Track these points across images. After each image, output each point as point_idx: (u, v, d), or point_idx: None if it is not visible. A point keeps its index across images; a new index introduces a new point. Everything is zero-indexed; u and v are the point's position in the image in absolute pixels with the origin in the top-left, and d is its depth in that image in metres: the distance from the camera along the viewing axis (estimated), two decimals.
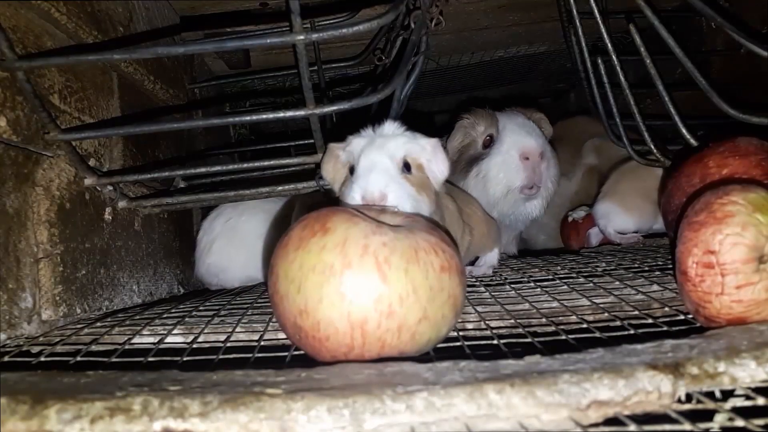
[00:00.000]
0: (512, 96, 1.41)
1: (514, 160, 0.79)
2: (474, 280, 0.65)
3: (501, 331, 0.46)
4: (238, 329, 0.50)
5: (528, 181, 0.79)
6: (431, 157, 0.54)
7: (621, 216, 0.84)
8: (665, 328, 0.42)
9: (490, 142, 0.81)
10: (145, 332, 0.49)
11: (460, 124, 0.84)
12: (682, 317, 0.44)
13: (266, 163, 0.63)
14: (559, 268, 0.68)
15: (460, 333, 0.45)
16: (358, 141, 0.53)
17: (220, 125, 1.13)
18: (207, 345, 0.47)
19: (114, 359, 0.42)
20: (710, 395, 0.29)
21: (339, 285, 0.36)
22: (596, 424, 0.27)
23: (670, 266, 0.59)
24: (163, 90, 0.83)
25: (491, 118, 0.83)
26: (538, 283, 0.60)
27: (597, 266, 0.66)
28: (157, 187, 0.77)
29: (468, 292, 0.56)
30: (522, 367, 0.31)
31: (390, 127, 0.54)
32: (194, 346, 0.46)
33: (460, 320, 0.48)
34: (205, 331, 0.50)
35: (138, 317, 0.55)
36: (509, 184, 0.80)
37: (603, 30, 0.66)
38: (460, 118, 0.85)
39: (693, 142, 0.65)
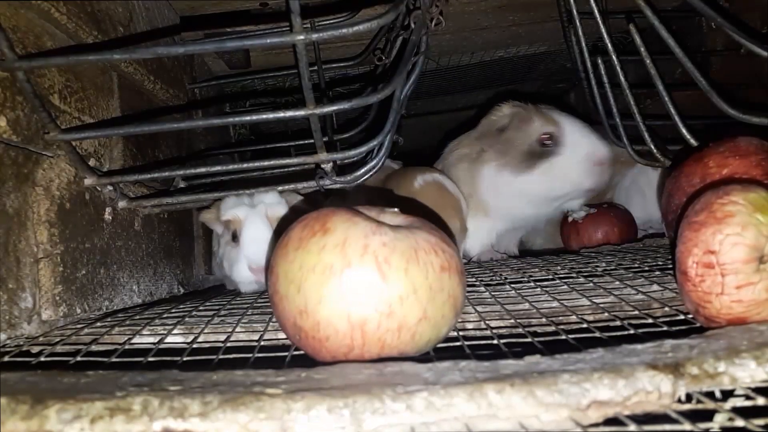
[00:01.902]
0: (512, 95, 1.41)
1: (590, 165, 0.82)
2: (474, 279, 0.65)
3: (501, 331, 0.46)
4: (238, 329, 0.50)
5: (598, 186, 0.83)
6: None
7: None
8: (665, 328, 0.42)
9: (549, 140, 0.82)
10: (145, 332, 0.49)
11: (516, 113, 0.85)
12: (682, 317, 0.44)
13: (266, 163, 0.63)
14: (559, 268, 0.68)
15: (460, 333, 0.45)
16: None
17: (220, 125, 1.13)
18: (207, 345, 0.47)
19: (114, 359, 0.42)
20: (710, 395, 0.29)
21: (339, 285, 0.36)
22: (596, 424, 0.27)
23: (670, 266, 0.59)
24: (163, 90, 0.83)
25: (547, 116, 0.84)
26: (538, 283, 0.60)
27: (597, 266, 0.66)
28: (157, 187, 0.77)
29: (468, 292, 0.56)
30: (522, 367, 0.31)
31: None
32: (194, 346, 0.46)
33: (460, 320, 0.48)
34: (205, 331, 0.50)
35: (138, 317, 0.55)
36: (579, 186, 0.83)
37: (603, 30, 0.66)
38: (515, 106, 0.86)
39: (693, 142, 0.65)
